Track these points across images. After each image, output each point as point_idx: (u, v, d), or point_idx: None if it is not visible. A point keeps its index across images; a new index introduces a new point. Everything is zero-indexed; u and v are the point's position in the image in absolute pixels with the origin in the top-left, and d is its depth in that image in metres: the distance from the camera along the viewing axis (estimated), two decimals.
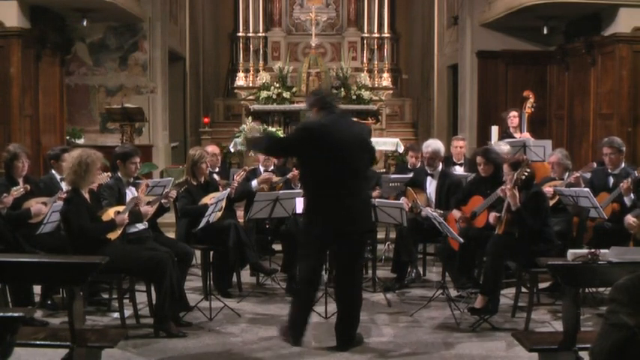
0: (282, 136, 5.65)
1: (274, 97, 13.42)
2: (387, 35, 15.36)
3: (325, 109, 5.05)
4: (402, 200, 6.57)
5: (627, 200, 6.24)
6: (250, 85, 14.37)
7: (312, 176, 5.02)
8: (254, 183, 7.08)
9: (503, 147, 6.94)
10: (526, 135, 8.60)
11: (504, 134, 8.87)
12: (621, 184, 6.22)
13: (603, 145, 6.75)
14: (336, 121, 5.03)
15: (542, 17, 10.87)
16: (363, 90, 13.77)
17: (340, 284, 5.16)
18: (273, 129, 11.68)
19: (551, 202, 6.36)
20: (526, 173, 5.61)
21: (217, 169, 7.59)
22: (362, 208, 5.10)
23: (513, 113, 8.84)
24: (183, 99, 14.28)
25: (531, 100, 8.82)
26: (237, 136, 11.63)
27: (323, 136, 4.91)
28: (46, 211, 5.80)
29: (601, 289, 5.88)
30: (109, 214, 5.40)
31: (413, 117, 16.01)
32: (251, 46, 15.11)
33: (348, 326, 5.10)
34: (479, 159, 6.35)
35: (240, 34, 15.28)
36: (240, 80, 14.56)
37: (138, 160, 6.09)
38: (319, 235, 5.03)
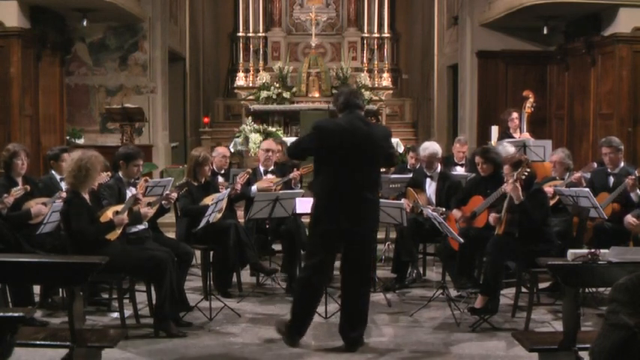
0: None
1: (274, 97, 13.42)
2: (387, 35, 15.36)
3: (348, 108, 5.03)
4: (403, 201, 6.57)
5: (634, 196, 6.20)
6: (250, 85, 14.36)
7: (323, 175, 5.00)
8: (253, 189, 6.99)
9: (509, 149, 6.92)
10: (526, 135, 8.59)
11: (504, 134, 8.84)
12: (627, 180, 6.18)
13: (601, 145, 6.78)
14: (352, 121, 4.99)
15: (542, 17, 10.87)
16: (363, 90, 13.77)
17: (347, 283, 5.13)
18: (273, 129, 11.68)
19: (551, 202, 6.36)
20: (526, 173, 5.61)
21: (223, 171, 7.54)
22: (370, 209, 5.08)
23: (515, 114, 8.82)
24: (183, 99, 14.28)
25: (531, 99, 8.80)
26: (237, 136, 11.64)
27: (335, 135, 4.91)
28: (47, 211, 5.79)
29: (601, 289, 5.88)
30: (107, 214, 5.38)
31: (413, 117, 16.01)
32: (251, 46, 15.11)
33: (356, 326, 5.06)
34: (478, 159, 6.35)
35: (240, 34, 15.28)
36: (240, 80, 14.56)
37: (141, 162, 6.08)
38: (325, 234, 5.00)
